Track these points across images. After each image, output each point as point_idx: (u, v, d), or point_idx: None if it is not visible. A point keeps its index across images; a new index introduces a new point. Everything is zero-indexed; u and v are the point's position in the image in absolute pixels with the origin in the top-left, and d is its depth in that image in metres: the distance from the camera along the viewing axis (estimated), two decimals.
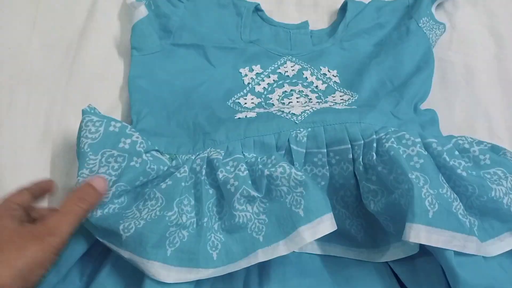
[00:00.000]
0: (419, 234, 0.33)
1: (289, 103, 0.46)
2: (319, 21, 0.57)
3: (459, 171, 0.36)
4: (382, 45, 0.51)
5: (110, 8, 0.56)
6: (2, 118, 0.47)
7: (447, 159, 0.37)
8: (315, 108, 0.41)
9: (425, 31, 0.50)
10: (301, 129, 0.39)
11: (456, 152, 0.38)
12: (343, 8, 0.55)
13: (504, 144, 0.46)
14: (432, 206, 0.33)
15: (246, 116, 0.42)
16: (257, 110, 0.44)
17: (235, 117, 0.43)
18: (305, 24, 0.55)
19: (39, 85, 0.50)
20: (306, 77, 0.49)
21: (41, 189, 0.38)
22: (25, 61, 0.51)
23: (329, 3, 0.58)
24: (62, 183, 0.44)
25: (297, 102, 0.46)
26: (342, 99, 0.46)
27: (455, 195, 0.36)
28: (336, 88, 0.48)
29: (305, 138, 0.39)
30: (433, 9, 0.53)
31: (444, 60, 0.52)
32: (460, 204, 0.36)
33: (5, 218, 0.32)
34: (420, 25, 0.50)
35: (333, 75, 0.49)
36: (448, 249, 0.33)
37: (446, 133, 0.45)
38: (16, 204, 0.34)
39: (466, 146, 0.39)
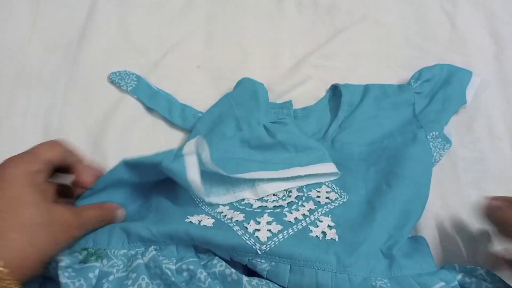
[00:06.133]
0: None
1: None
2: (319, 21, 0.57)
3: None
4: (384, 149, 0.44)
5: (110, 8, 0.56)
6: (2, 118, 0.47)
7: None
8: (286, 235, 0.34)
9: (431, 147, 0.44)
10: (263, 261, 0.33)
11: None
12: (334, 90, 0.50)
13: (504, 144, 0.47)
14: None
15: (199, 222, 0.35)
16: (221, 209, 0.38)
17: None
18: (288, 104, 0.49)
19: (39, 85, 0.50)
20: None
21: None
22: (25, 61, 0.51)
23: (329, 3, 0.58)
24: None
25: (274, 195, 0.40)
26: (328, 198, 0.39)
27: None
28: (323, 182, 0.42)
29: (264, 272, 0.32)
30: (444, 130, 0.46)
31: (444, 60, 0.52)
32: None
33: (29, 188, 0.30)
34: (428, 137, 0.44)
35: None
36: None
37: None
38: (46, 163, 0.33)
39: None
